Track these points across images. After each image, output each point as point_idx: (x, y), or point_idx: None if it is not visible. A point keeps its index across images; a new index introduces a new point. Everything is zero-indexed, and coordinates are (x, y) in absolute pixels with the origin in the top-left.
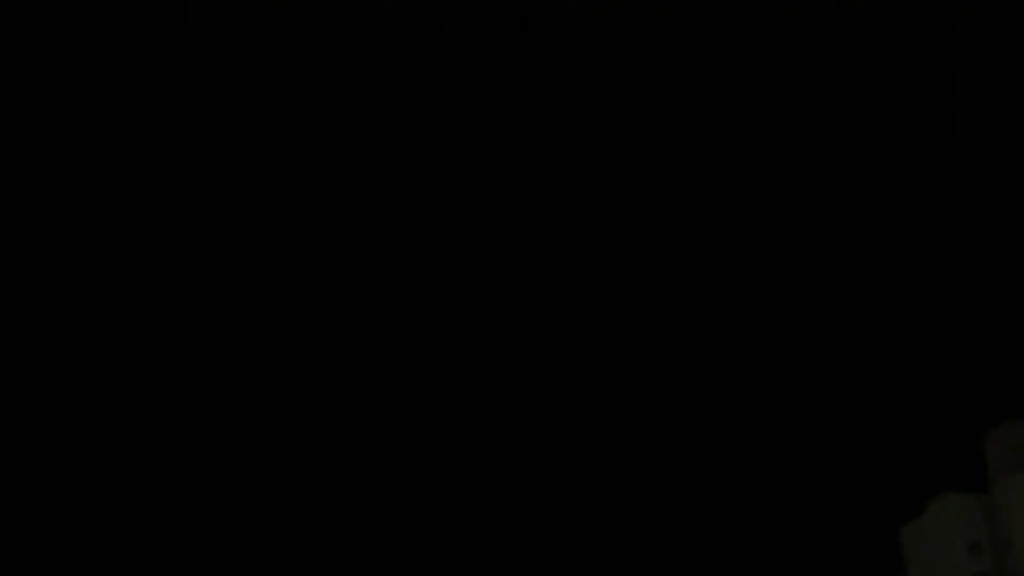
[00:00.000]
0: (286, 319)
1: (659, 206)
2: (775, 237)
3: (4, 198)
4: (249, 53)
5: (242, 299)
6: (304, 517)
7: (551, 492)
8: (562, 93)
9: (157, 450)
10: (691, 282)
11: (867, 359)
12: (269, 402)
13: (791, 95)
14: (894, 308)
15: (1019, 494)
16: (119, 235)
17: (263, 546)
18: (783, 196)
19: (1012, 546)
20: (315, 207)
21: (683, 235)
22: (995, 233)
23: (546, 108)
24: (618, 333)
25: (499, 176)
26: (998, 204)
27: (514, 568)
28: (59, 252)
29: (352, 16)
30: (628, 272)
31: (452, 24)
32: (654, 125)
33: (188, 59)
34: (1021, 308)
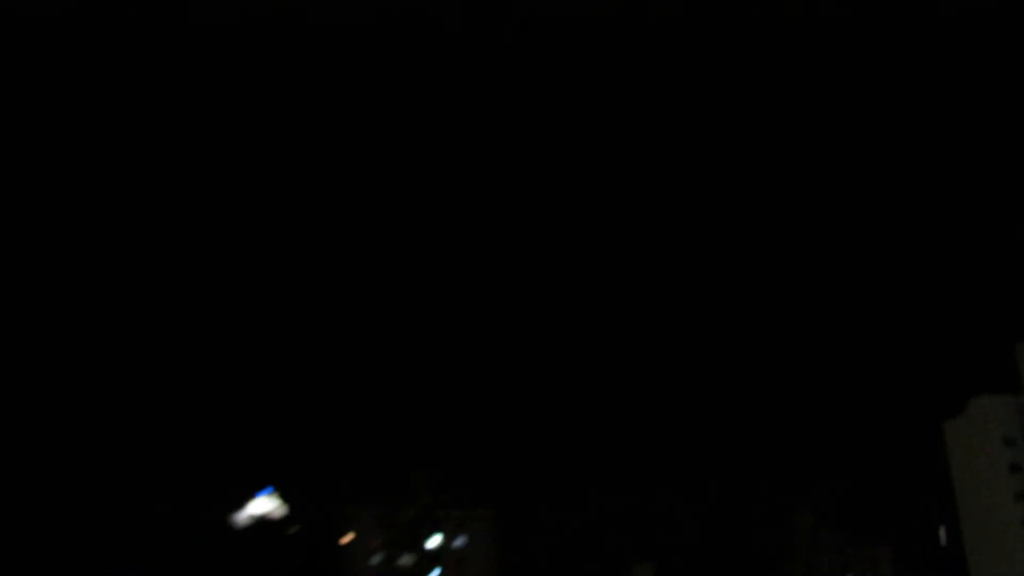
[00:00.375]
0: (285, 317)
1: (659, 206)
2: (778, 228)
3: (4, 198)
4: (249, 53)
5: (242, 297)
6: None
7: (551, 492)
8: (562, 93)
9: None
10: (690, 280)
11: (918, 285)
12: (268, 402)
13: (791, 95)
14: (939, 241)
15: None
16: (119, 234)
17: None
18: (783, 196)
19: None
20: (315, 206)
21: (683, 235)
22: None
23: (546, 108)
24: (618, 331)
25: (499, 175)
26: None
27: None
28: (59, 251)
29: (352, 16)
30: (628, 271)
31: (452, 24)
32: (654, 125)
33: (188, 59)
34: None
